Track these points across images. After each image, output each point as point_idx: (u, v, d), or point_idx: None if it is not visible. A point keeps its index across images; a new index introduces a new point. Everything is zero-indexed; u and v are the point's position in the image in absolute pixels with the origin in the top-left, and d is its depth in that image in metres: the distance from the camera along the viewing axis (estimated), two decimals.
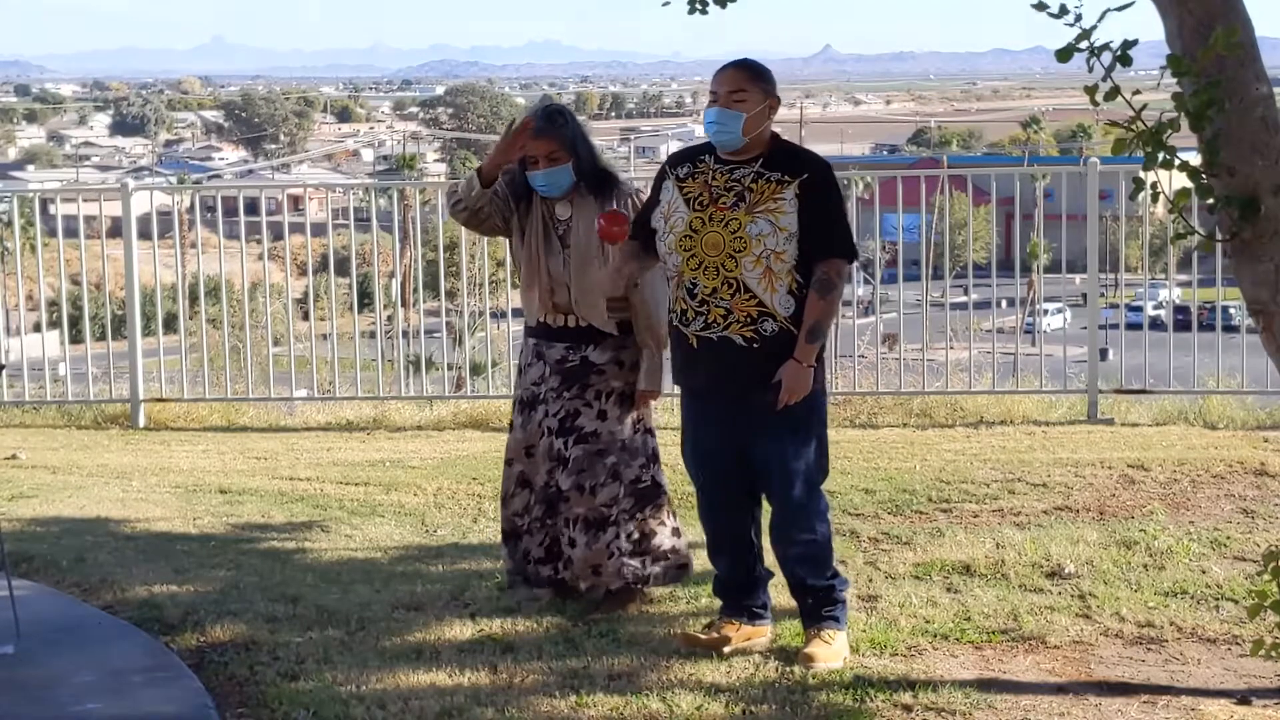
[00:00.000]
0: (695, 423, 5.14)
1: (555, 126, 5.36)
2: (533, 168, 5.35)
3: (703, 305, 4.90)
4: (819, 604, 5.02)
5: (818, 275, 4.85)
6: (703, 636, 5.06)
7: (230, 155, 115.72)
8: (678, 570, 5.57)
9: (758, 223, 4.82)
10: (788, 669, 4.83)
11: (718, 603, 5.27)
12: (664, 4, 6.26)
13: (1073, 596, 5.59)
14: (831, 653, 4.89)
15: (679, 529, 5.62)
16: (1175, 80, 4.26)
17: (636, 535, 5.43)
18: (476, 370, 13.21)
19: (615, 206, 5.30)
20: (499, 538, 5.69)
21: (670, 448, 5.48)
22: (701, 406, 5.10)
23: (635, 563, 5.42)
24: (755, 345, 4.86)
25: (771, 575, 5.22)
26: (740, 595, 5.17)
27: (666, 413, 9.29)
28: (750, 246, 4.82)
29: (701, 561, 5.85)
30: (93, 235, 10.28)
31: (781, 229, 4.81)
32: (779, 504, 5.03)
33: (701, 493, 5.22)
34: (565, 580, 5.48)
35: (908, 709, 4.55)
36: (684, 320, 4.97)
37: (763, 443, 4.95)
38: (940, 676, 4.79)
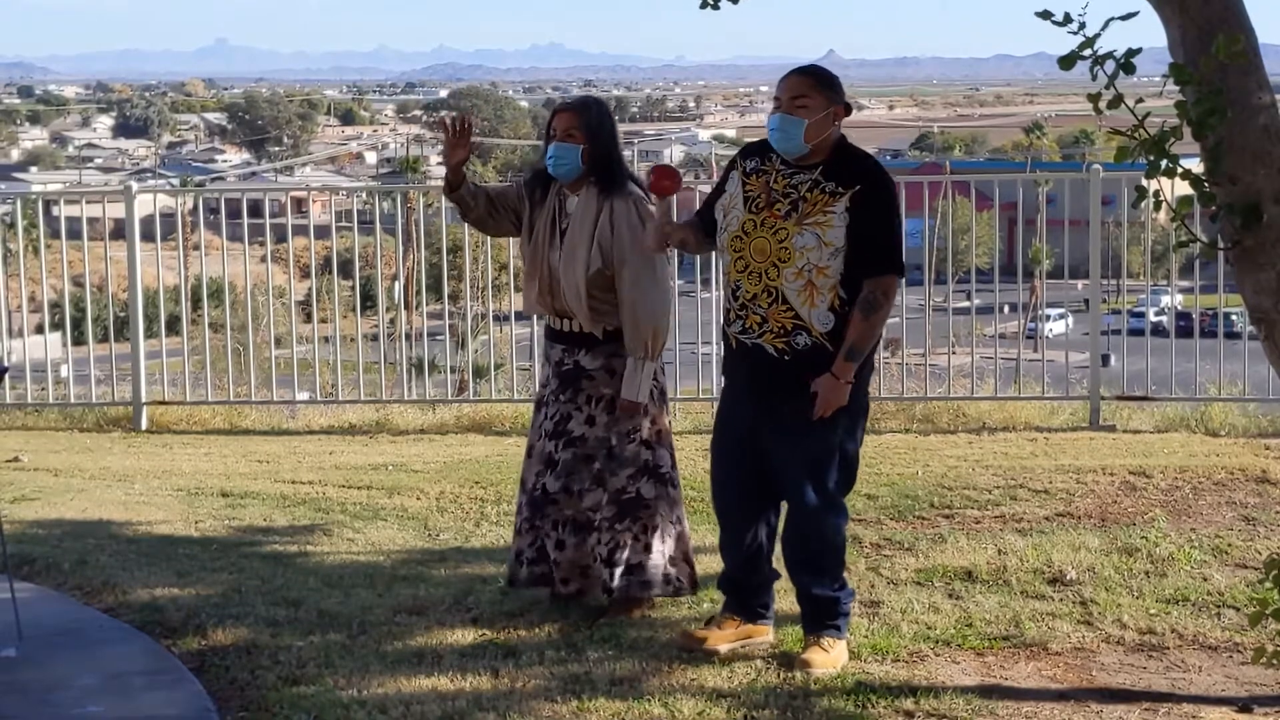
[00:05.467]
0: (725, 415, 5.17)
1: (582, 108, 5.43)
2: (552, 139, 5.41)
3: (743, 309, 4.91)
4: (822, 613, 5.01)
5: (864, 293, 4.79)
6: (698, 632, 5.07)
7: (233, 157, 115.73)
8: (641, 585, 5.43)
9: (804, 235, 4.78)
10: (789, 675, 4.84)
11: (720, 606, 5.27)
12: None
13: (1074, 603, 5.59)
14: (829, 659, 4.89)
15: (672, 552, 5.47)
16: (1178, 88, 4.26)
17: (612, 545, 5.40)
18: (479, 373, 13.23)
19: (625, 206, 5.32)
20: (502, 542, 5.68)
21: (683, 457, 5.48)
22: (734, 403, 5.12)
23: (608, 572, 5.40)
24: (786, 357, 4.84)
25: (778, 576, 5.22)
26: (743, 592, 5.17)
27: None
28: (794, 258, 4.79)
29: (705, 566, 5.85)
30: (95, 237, 10.26)
31: (827, 243, 4.77)
32: (792, 509, 5.03)
33: (715, 484, 5.23)
34: (554, 580, 5.46)
35: (909, 715, 4.55)
36: (728, 320, 5.00)
37: (784, 447, 4.95)
38: (942, 682, 4.79)
